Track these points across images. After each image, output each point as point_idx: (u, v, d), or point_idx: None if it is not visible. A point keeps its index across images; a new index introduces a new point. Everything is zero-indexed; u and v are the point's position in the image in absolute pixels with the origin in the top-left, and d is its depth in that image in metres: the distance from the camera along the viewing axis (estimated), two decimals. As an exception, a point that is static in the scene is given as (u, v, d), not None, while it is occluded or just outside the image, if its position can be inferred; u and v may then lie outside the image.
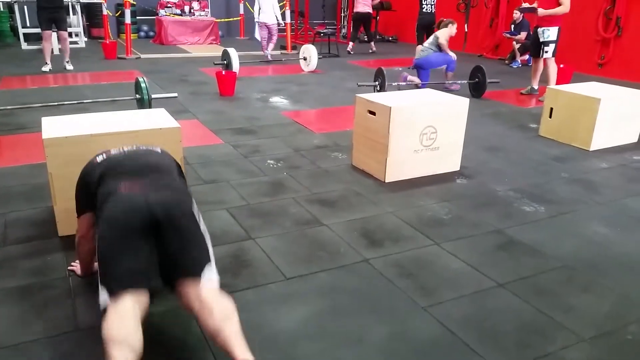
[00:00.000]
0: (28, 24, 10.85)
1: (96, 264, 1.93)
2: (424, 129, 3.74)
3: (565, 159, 4.37)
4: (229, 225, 2.98)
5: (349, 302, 2.28)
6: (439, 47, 7.03)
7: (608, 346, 2.05)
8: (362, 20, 10.85)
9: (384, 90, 6.19)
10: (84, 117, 3.10)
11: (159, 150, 2.24)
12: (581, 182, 3.85)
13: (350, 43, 10.96)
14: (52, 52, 8.23)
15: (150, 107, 4.93)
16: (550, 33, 6.37)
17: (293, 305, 2.24)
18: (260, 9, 9.39)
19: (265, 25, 9.47)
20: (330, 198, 3.41)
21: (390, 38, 13.21)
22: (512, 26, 9.71)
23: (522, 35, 9.42)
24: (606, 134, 4.64)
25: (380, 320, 2.15)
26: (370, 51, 11.05)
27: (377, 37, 11.32)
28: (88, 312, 2.15)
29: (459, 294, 2.35)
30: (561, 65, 7.63)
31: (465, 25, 9.73)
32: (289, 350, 1.98)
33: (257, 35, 9.87)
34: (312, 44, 9.16)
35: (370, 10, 10.85)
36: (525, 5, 6.55)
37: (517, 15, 9.46)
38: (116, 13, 12.02)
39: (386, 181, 3.71)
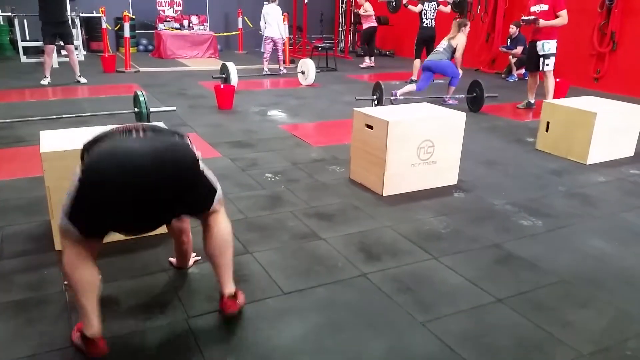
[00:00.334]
0: (27, 37, 10.91)
1: (191, 260, 2.27)
2: (421, 143, 3.75)
3: (562, 172, 4.39)
4: (227, 239, 2.97)
5: (347, 317, 2.27)
6: (452, 54, 7.05)
7: (607, 362, 2.04)
8: (373, 35, 10.99)
9: (382, 104, 6.22)
10: (83, 131, 3.11)
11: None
12: (578, 196, 3.86)
13: (368, 59, 11.06)
14: (52, 66, 8.27)
15: (148, 120, 4.94)
16: (550, 46, 6.43)
17: (290, 321, 2.23)
18: (266, 23, 9.60)
19: (272, 39, 9.65)
20: (328, 212, 3.41)
21: (387, 52, 13.31)
22: (509, 40, 9.80)
23: (519, 49, 9.50)
24: (603, 148, 4.66)
25: (378, 336, 2.14)
26: (365, 66, 11.13)
27: (375, 51, 11.41)
28: (84, 327, 2.13)
29: (458, 309, 2.34)
30: (557, 80, 7.70)
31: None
32: (286, 366, 1.96)
33: (262, 48, 10.10)
34: (310, 58, 9.22)
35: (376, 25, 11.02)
36: (527, 17, 6.49)
37: (513, 29, 9.55)
38: (115, 27, 12.10)
39: (384, 195, 3.71)
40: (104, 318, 1.95)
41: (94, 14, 11.36)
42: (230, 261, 2.15)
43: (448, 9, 8.88)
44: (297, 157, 4.59)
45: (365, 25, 10.95)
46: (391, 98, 6.70)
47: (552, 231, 3.23)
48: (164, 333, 2.12)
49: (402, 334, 2.16)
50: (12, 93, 7.20)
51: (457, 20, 7.24)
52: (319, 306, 2.34)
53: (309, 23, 12.26)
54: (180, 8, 12.93)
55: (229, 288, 2.14)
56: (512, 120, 6.44)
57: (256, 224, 3.19)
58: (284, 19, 9.88)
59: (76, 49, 11.09)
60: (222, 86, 6.75)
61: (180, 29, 12.33)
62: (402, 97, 6.78)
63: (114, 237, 2.80)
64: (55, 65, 9.07)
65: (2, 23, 11.48)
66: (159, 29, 12.15)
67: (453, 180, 4.01)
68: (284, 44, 10.09)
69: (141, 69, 9.79)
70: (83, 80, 8.13)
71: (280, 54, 9.91)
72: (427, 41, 8.78)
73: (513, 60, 9.74)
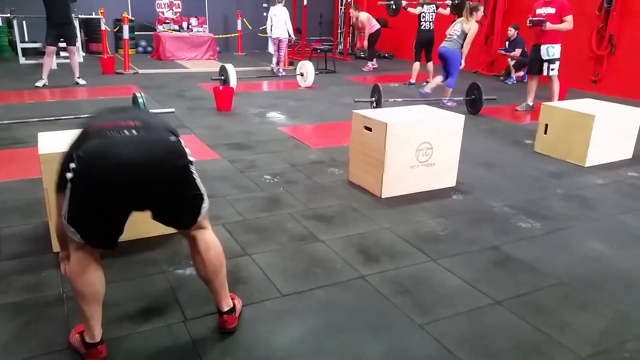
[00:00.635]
0: (26, 39, 10.91)
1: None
2: (420, 145, 3.76)
3: (560, 175, 4.39)
4: (225, 241, 2.96)
5: (345, 319, 2.27)
6: (463, 40, 7.00)
7: (605, 364, 2.04)
8: (377, 38, 11.04)
9: (381, 107, 6.23)
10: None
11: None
12: (577, 198, 3.86)
13: (370, 62, 11.11)
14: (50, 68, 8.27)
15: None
16: (555, 50, 6.42)
17: (289, 323, 2.22)
18: (272, 25, 9.80)
19: (278, 40, 9.88)
20: (327, 214, 3.41)
21: (386, 54, 13.32)
22: (507, 43, 9.82)
23: (517, 52, 9.52)
24: (601, 150, 4.67)
25: (377, 338, 2.14)
26: (367, 69, 11.14)
27: (375, 53, 11.43)
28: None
29: (456, 312, 2.34)
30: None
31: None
32: (284, 368, 1.96)
33: (271, 50, 10.34)
34: (309, 60, 9.23)
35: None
36: (535, 18, 6.42)
37: (511, 32, 9.57)
38: (114, 28, 12.11)
39: (382, 197, 3.71)
40: (102, 320, 1.95)
41: (93, 16, 11.36)
42: (225, 279, 2.12)
43: (447, 11, 8.88)
44: (295, 159, 4.59)
45: (372, 31, 10.96)
46: (422, 94, 7.02)
47: (551, 233, 3.23)
48: (162, 335, 2.12)
49: (401, 336, 2.16)
50: (11, 94, 7.19)
51: (469, 4, 7.08)
52: (317, 308, 2.34)
53: (308, 25, 12.27)
54: (179, 10, 12.94)
55: (227, 305, 2.13)
56: (510, 123, 6.45)
57: (255, 225, 3.19)
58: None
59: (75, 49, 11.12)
60: (221, 88, 6.74)
61: (179, 30, 12.33)
62: (426, 93, 7.08)
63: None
64: (54, 67, 9.06)
65: (1, 24, 11.47)
66: (158, 31, 12.15)
67: (452, 183, 4.01)
68: (287, 45, 10.29)
69: (140, 71, 9.79)
70: (82, 82, 8.12)
71: (281, 53, 10.06)
72: (426, 44, 8.79)
73: (512, 62, 9.75)
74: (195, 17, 12.73)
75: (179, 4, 12.90)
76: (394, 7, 9.07)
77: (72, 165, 1.74)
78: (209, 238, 2.05)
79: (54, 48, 7.84)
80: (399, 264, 2.77)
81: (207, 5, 13.55)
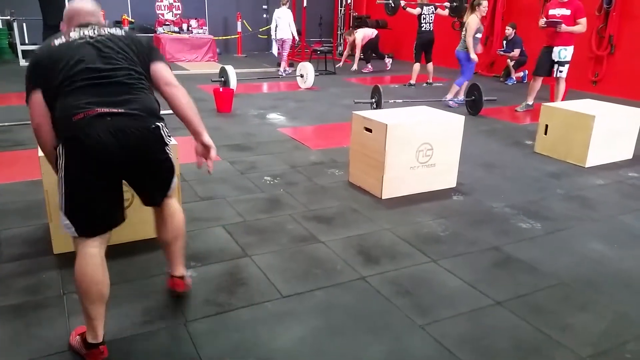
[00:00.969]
0: (27, 41, 10.91)
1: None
2: (420, 146, 3.76)
3: (560, 175, 4.39)
4: (226, 242, 2.97)
5: (346, 320, 2.27)
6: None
7: (606, 365, 2.04)
8: (376, 45, 11.19)
9: (381, 108, 6.23)
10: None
11: (123, 47, 2.01)
12: (577, 198, 3.86)
13: (370, 65, 11.21)
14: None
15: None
16: (567, 53, 6.36)
17: (289, 324, 2.22)
18: (277, 26, 10.01)
19: (282, 41, 10.10)
20: (327, 215, 3.41)
21: (386, 56, 13.31)
22: (504, 42, 9.82)
23: (516, 52, 9.52)
24: (601, 151, 4.67)
25: (377, 339, 2.14)
26: (367, 71, 11.16)
27: (373, 54, 11.44)
28: (82, 331, 2.13)
29: (456, 312, 2.34)
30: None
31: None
32: (285, 369, 1.96)
33: (275, 51, 10.54)
34: (309, 62, 9.24)
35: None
36: (551, 20, 6.32)
37: (509, 31, 9.57)
38: (115, 30, 12.09)
39: (383, 198, 3.71)
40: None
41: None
42: (182, 246, 2.30)
43: (446, 12, 8.89)
44: (296, 160, 4.60)
45: (372, 37, 10.99)
46: (450, 104, 7.06)
47: (551, 234, 3.23)
48: (162, 337, 2.12)
49: (401, 337, 2.16)
50: (11, 96, 7.20)
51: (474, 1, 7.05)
52: (317, 309, 2.34)
53: (307, 27, 12.28)
54: (179, 12, 12.94)
55: (180, 270, 2.31)
56: (510, 123, 6.45)
57: (255, 227, 3.19)
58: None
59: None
60: (221, 89, 6.75)
61: (179, 32, 12.33)
62: (455, 100, 7.12)
63: (112, 240, 2.80)
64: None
65: (1, 27, 11.47)
66: (158, 33, 12.16)
67: (452, 183, 4.01)
68: (290, 46, 10.47)
69: (140, 73, 9.78)
70: None
71: (285, 53, 10.24)
72: (425, 45, 8.80)
73: (511, 63, 9.76)
74: (195, 19, 12.74)
75: (178, 5, 12.90)
76: (392, 5, 9.07)
77: (61, 150, 1.88)
78: (174, 207, 2.24)
79: None
80: (399, 264, 2.77)
81: (207, 7, 13.57)
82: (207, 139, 2.15)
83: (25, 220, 3.16)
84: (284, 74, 10.03)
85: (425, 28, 8.72)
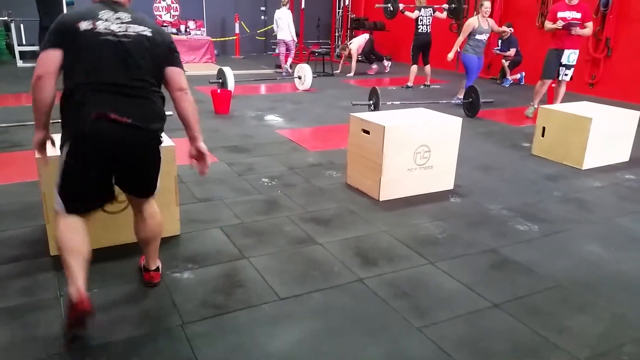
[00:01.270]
0: (24, 42, 10.89)
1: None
2: (417, 148, 3.76)
3: (558, 177, 4.40)
4: (223, 244, 2.97)
5: (343, 322, 2.26)
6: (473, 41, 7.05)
7: (603, 367, 2.04)
8: (371, 46, 11.21)
9: (378, 109, 6.23)
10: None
11: (147, 47, 2.14)
12: (574, 201, 3.87)
13: (374, 64, 11.28)
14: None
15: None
16: (575, 56, 6.35)
17: (287, 327, 2.22)
18: (278, 27, 10.21)
19: (283, 42, 10.27)
20: (325, 216, 3.41)
21: (384, 57, 13.33)
22: (500, 42, 9.84)
23: (512, 51, 9.54)
24: (598, 153, 4.68)
25: (375, 341, 2.14)
26: (373, 72, 11.23)
27: (371, 56, 11.46)
28: (79, 333, 2.12)
29: (454, 314, 2.34)
30: (553, 85, 7.73)
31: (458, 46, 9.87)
32: (282, 372, 1.95)
33: (278, 51, 10.74)
34: (307, 63, 9.25)
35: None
36: (570, 22, 6.23)
37: (503, 29, 9.58)
38: (112, 31, 12.08)
39: (380, 200, 3.72)
40: (99, 324, 1.94)
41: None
42: (158, 244, 2.49)
43: (444, 15, 8.91)
44: (293, 161, 4.59)
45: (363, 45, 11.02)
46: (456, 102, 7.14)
47: (548, 236, 3.24)
48: (160, 339, 2.11)
49: (399, 339, 2.16)
50: (9, 97, 7.18)
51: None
52: (315, 311, 2.34)
53: (305, 28, 12.28)
54: (177, 13, 12.93)
55: (155, 265, 2.50)
56: (508, 126, 6.46)
57: (252, 229, 3.19)
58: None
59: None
60: (218, 91, 6.75)
61: (177, 34, 12.31)
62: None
63: (109, 242, 2.80)
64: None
65: (-1, 27, 11.45)
66: (155, 34, 12.14)
67: (449, 185, 4.01)
68: (293, 47, 10.59)
69: (138, 74, 9.77)
70: None
71: (291, 54, 10.46)
72: (423, 47, 8.82)
73: (506, 63, 9.78)
74: (193, 20, 12.74)
75: (176, 7, 12.89)
76: (391, 9, 9.09)
77: (69, 142, 2.08)
78: (153, 209, 2.41)
79: None
80: (397, 266, 2.77)
81: (205, 8, 13.56)
82: (202, 145, 2.35)
83: (22, 222, 3.15)
84: (284, 73, 10.11)
85: (423, 30, 8.74)
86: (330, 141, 5.36)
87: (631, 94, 8.02)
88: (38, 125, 2.14)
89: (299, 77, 8.70)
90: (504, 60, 9.81)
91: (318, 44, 13.32)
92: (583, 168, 4.62)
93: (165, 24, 12.44)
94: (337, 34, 14.63)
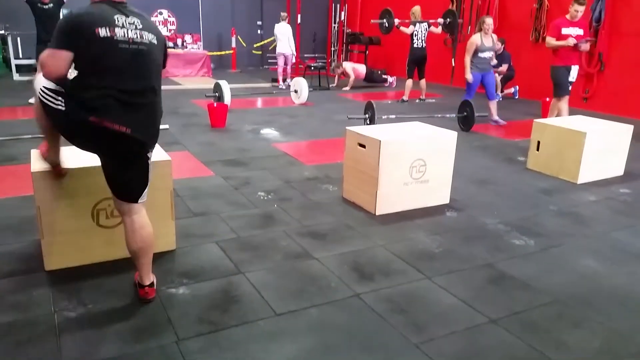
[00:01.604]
0: (21, 55, 10.91)
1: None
2: (413, 162, 3.77)
3: (553, 191, 4.42)
4: (219, 259, 2.96)
5: (340, 339, 2.25)
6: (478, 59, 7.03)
7: (601, 383, 2.03)
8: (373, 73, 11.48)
9: (374, 123, 6.26)
10: (74, 150, 3.09)
11: (156, 55, 2.33)
12: (570, 215, 3.88)
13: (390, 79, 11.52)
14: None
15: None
16: (577, 72, 6.38)
17: (283, 343, 2.20)
18: (278, 40, 10.47)
19: (283, 55, 10.50)
20: (321, 231, 3.40)
21: (379, 72, 13.43)
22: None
23: (504, 67, 9.63)
24: (593, 167, 4.71)
25: (372, 358, 2.12)
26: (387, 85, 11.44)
27: (376, 78, 11.55)
28: (73, 350, 2.09)
29: (451, 330, 2.33)
30: (547, 99, 7.80)
31: (453, 60, 9.95)
32: (278, 389, 1.93)
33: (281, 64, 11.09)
34: (303, 77, 9.30)
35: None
36: (584, 39, 6.22)
37: (498, 45, 9.68)
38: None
39: (377, 214, 3.72)
40: (94, 340, 1.92)
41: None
42: (151, 257, 2.48)
43: (439, 30, 9.00)
44: (290, 175, 4.60)
45: (362, 76, 11.21)
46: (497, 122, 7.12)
47: (545, 250, 3.24)
48: (154, 356, 2.09)
49: (396, 355, 2.14)
50: (4, 111, 7.17)
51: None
52: (311, 327, 2.32)
53: (302, 43, 12.38)
54: (174, 27, 13.02)
55: (149, 280, 2.47)
56: (503, 140, 6.50)
57: (248, 243, 3.17)
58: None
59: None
60: (215, 104, 6.77)
61: (174, 47, 12.38)
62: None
63: (104, 256, 2.79)
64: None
65: (-5, 41, 11.48)
66: (152, 48, 12.19)
67: (445, 199, 4.02)
68: (293, 61, 10.86)
69: (134, 87, 9.78)
70: None
71: (289, 68, 10.69)
72: (418, 61, 8.90)
73: (498, 77, 9.86)
74: (190, 34, 12.81)
75: (173, 21, 12.99)
76: (386, 25, 9.18)
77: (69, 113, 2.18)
78: (144, 220, 2.45)
79: None
80: (393, 281, 2.76)
81: (202, 22, 13.65)
82: None
83: (16, 237, 3.13)
84: (283, 87, 10.22)
85: (418, 45, 8.82)
86: (327, 155, 5.37)
87: (624, 108, 8.10)
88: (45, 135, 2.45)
89: (295, 91, 8.74)
90: (496, 75, 9.89)
91: (314, 58, 13.42)
92: (578, 182, 4.65)
93: (162, 38, 12.50)
94: (333, 49, 14.73)
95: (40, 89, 2.15)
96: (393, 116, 6.85)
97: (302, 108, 8.38)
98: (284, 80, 10.61)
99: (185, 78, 11.65)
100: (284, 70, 10.70)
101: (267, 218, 3.59)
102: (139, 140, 2.28)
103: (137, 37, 2.20)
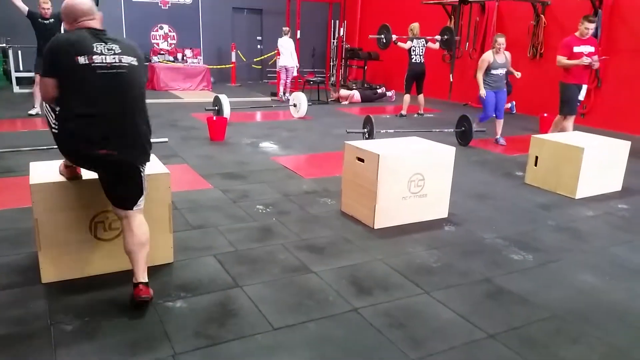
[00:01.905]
0: (21, 68, 10.97)
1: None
2: (412, 176, 3.78)
3: (551, 207, 4.42)
4: (216, 272, 2.95)
5: (338, 353, 2.24)
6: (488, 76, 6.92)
7: (600, 400, 2.01)
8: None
9: (373, 138, 6.29)
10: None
11: (137, 75, 2.46)
12: (568, 230, 3.88)
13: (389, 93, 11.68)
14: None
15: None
16: (585, 92, 6.33)
17: (280, 357, 2.19)
18: (281, 54, 10.67)
19: (285, 68, 10.68)
20: (319, 244, 3.40)
21: (377, 87, 13.52)
22: None
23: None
24: (591, 182, 4.72)
25: (370, 373, 2.11)
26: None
27: (365, 85, 11.64)
28: (68, 363, 2.08)
29: (449, 346, 2.32)
30: (545, 114, 7.86)
31: (451, 76, 10.02)
32: (275, 404, 1.92)
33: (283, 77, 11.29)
34: (302, 91, 9.35)
35: None
36: (600, 58, 6.20)
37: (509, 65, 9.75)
38: (109, 59, 12.18)
39: (375, 227, 3.71)
40: (90, 353, 1.90)
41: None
42: (146, 255, 2.55)
43: (436, 45, 9.09)
44: (288, 189, 4.60)
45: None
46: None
47: (543, 266, 3.23)
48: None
49: (394, 370, 2.13)
50: (3, 123, 7.19)
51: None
52: (309, 342, 2.31)
53: (301, 57, 12.47)
54: (174, 41, 13.12)
55: (144, 277, 2.51)
56: (500, 155, 6.52)
57: (246, 256, 3.17)
58: (277, 53, 10.48)
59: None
60: (214, 118, 6.80)
61: (174, 61, 12.47)
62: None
63: (101, 269, 2.78)
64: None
65: (-4, 54, 11.54)
66: (152, 62, 12.27)
67: (443, 214, 4.02)
68: (293, 74, 11.01)
69: (134, 101, 9.82)
70: None
71: (289, 81, 10.82)
72: (416, 77, 8.96)
73: None
74: (190, 48, 12.91)
75: (174, 35, 13.09)
76: (384, 41, 9.27)
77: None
78: (140, 219, 2.57)
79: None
80: (392, 296, 2.75)
81: (202, 37, 13.76)
82: None
83: (14, 249, 3.12)
84: (284, 98, 10.29)
85: (416, 60, 8.89)
86: (325, 169, 5.38)
87: (622, 124, 8.16)
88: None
89: (294, 105, 8.78)
90: None
91: (313, 73, 13.50)
92: (576, 197, 4.66)
93: (162, 52, 12.59)
94: (332, 63, 14.83)
95: (46, 104, 2.39)
96: (391, 130, 6.87)
97: (301, 122, 8.42)
98: (284, 93, 10.69)
99: (185, 91, 11.70)
100: (285, 83, 10.82)
101: (265, 231, 3.59)
102: (126, 160, 2.45)
103: (115, 61, 2.34)
